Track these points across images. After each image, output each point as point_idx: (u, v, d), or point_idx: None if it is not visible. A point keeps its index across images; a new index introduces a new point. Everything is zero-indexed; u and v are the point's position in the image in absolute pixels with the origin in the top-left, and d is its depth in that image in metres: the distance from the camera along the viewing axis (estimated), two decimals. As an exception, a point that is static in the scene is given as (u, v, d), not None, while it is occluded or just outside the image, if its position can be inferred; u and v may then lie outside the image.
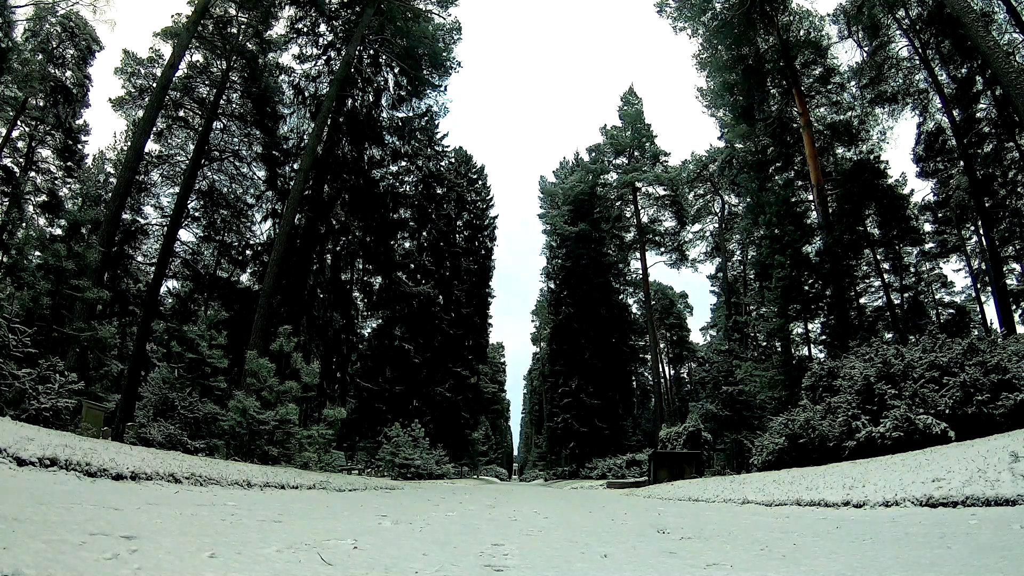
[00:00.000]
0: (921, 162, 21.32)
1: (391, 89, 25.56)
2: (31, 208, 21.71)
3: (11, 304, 8.72)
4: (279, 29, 22.84)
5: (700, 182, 32.76)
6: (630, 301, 37.09)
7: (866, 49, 21.14)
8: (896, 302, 21.23)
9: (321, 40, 23.84)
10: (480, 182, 33.26)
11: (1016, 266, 19.06)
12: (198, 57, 21.32)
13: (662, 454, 14.84)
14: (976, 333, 17.41)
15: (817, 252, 20.39)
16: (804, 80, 22.92)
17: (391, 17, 21.68)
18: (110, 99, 21.33)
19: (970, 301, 21.94)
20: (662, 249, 34.14)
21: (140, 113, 19.56)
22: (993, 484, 2.80)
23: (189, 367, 11.33)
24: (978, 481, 2.97)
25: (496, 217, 33.15)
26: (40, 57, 20.09)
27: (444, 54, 24.05)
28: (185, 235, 22.46)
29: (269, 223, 24.06)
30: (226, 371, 12.26)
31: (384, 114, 25.85)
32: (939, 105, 19.76)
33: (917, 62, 20.03)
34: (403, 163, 27.31)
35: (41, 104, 21.13)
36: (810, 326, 20.08)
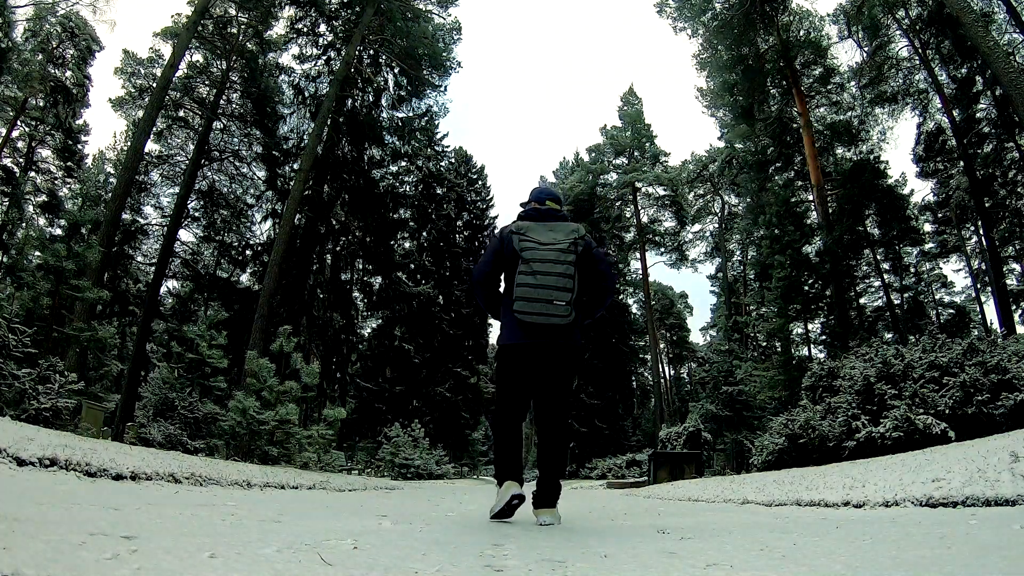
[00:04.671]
0: (921, 162, 21.33)
1: (391, 89, 25.56)
2: (31, 208, 21.72)
3: (11, 304, 8.72)
4: (279, 29, 22.88)
5: (700, 182, 32.77)
6: (630, 301, 37.10)
7: (866, 49, 21.15)
8: (896, 302, 21.24)
9: (321, 40, 23.85)
10: (480, 182, 33.24)
11: (1016, 266, 19.07)
12: (198, 57, 21.33)
13: (662, 454, 14.82)
14: (976, 333, 17.42)
15: (817, 252, 20.40)
16: (804, 80, 22.92)
17: (391, 17, 21.69)
18: (110, 99, 21.36)
19: (970, 301, 21.95)
20: (662, 249, 34.16)
21: (140, 113, 19.57)
22: (993, 484, 2.79)
23: (189, 367, 11.33)
24: (978, 481, 2.96)
25: (496, 217, 33.11)
26: (40, 57, 20.08)
27: (444, 54, 24.05)
28: (185, 235, 22.50)
29: (269, 223, 24.08)
30: (226, 371, 12.26)
31: (384, 114, 25.86)
32: (939, 105, 19.77)
33: (917, 62, 20.04)
34: (403, 163, 27.31)
35: (41, 104, 21.13)
36: (810, 326, 20.10)
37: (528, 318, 2.48)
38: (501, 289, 2.82)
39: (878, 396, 8.97)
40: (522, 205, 2.88)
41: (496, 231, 2.78)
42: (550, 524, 2.52)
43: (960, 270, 22.39)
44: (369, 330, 27.85)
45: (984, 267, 19.90)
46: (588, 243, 2.63)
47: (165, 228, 21.46)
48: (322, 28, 23.70)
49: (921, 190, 22.38)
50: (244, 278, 23.99)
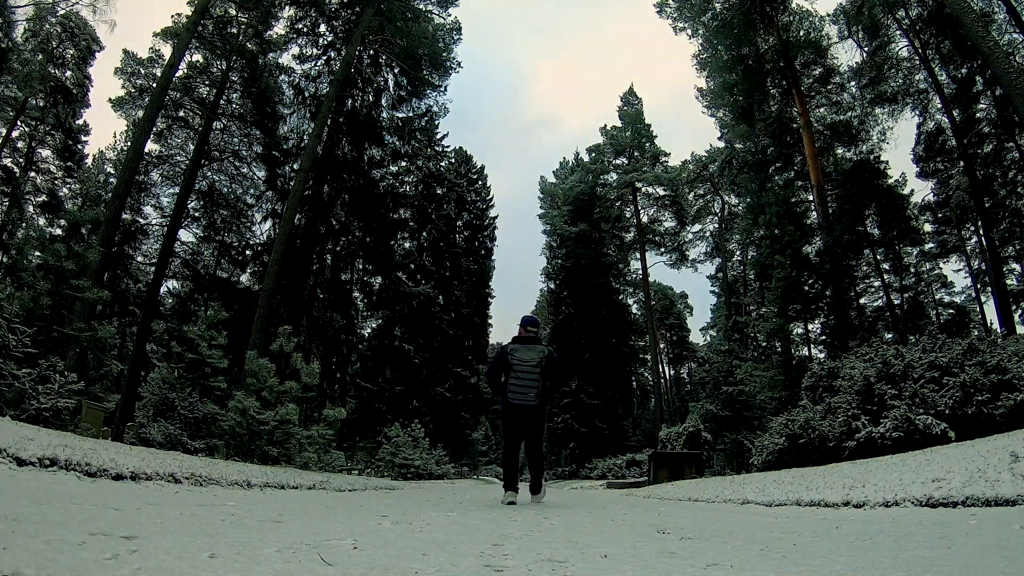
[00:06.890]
0: (921, 162, 21.29)
1: (391, 89, 25.57)
2: (31, 208, 21.72)
3: (11, 304, 8.71)
4: (279, 29, 22.88)
5: (700, 182, 32.74)
6: (630, 301, 37.06)
7: (866, 49, 21.14)
8: (896, 302, 21.21)
9: (321, 40, 23.84)
10: (480, 182, 33.22)
11: (1016, 266, 19.04)
12: (198, 57, 21.32)
13: (662, 454, 14.82)
14: (976, 333, 17.39)
15: (817, 252, 20.38)
16: (804, 80, 22.91)
17: (391, 17, 21.69)
18: (110, 99, 21.33)
19: (970, 301, 21.92)
20: (662, 249, 34.12)
21: (140, 113, 19.56)
22: (993, 484, 2.79)
23: (189, 367, 11.32)
24: (978, 481, 2.96)
25: (496, 217, 33.11)
26: (40, 57, 20.08)
27: (444, 54, 24.05)
28: (185, 235, 22.47)
29: (269, 223, 24.07)
30: (226, 371, 12.24)
31: (384, 114, 25.85)
32: (939, 105, 19.75)
33: (917, 62, 20.02)
34: (403, 163, 27.29)
35: (41, 104, 21.13)
36: (810, 326, 20.06)
37: (515, 401, 4.69)
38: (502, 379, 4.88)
39: (878, 396, 8.97)
40: (519, 325, 5.03)
41: (500, 346, 4.98)
42: (540, 501, 4.84)
43: (960, 270, 22.34)
44: (369, 330, 27.84)
45: (984, 267, 19.88)
46: (551, 355, 4.75)
47: (165, 228, 21.44)
48: (322, 28, 23.70)
49: (921, 190, 22.33)
50: (244, 278, 23.98)
